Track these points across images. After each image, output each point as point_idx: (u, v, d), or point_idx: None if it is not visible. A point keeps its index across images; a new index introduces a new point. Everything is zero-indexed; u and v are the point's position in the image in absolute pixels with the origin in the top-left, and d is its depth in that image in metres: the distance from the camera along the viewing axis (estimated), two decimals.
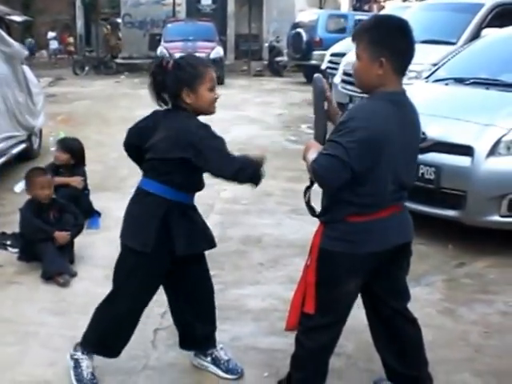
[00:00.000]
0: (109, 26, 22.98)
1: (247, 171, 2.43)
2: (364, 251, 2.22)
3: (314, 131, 2.39)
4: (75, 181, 4.76)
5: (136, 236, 2.51)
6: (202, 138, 2.40)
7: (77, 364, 2.65)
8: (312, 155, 2.19)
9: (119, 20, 24.16)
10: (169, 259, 2.55)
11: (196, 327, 2.74)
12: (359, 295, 2.42)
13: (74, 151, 4.88)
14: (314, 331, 2.34)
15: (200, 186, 2.60)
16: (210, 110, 2.52)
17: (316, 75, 2.47)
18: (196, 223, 2.61)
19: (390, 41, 2.16)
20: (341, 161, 2.05)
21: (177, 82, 2.44)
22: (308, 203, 2.36)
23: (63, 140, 4.96)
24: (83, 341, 2.66)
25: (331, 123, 2.40)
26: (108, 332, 2.61)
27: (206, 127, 2.46)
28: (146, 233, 2.47)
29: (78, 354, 2.66)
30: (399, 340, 2.46)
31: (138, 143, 2.54)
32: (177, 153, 2.41)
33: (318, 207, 2.35)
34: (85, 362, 2.64)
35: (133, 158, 2.66)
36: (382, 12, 14.09)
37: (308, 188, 2.37)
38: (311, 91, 2.43)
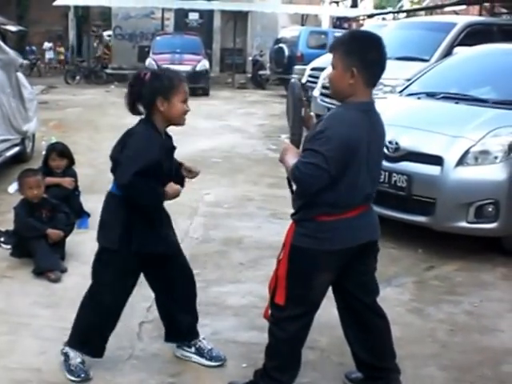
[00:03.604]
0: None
1: (139, 195, 2.55)
2: (332, 248, 2.36)
3: (289, 135, 2.54)
4: (66, 181, 4.89)
5: (105, 235, 2.70)
6: (126, 144, 2.56)
7: (66, 357, 2.78)
8: (291, 160, 2.34)
9: (105, 33, 24.39)
10: (136, 256, 2.68)
11: (179, 319, 2.88)
12: (331, 291, 2.54)
13: (67, 155, 5.03)
14: (285, 322, 2.46)
15: None
16: (180, 121, 2.66)
17: (293, 81, 2.64)
18: (157, 226, 2.71)
19: (362, 53, 2.32)
20: (321, 168, 2.21)
21: (153, 91, 2.60)
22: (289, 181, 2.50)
23: (55, 148, 5.05)
24: (70, 339, 2.79)
25: (305, 129, 2.55)
26: (90, 326, 2.74)
27: (137, 140, 2.56)
28: (112, 231, 2.65)
29: (66, 348, 2.79)
30: (368, 332, 2.59)
31: None
32: (113, 154, 2.62)
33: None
34: (71, 353, 2.77)
35: None
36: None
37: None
38: (288, 95, 2.60)
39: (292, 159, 2.34)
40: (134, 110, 2.70)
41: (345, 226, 2.37)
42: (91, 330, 2.75)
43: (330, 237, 2.36)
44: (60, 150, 5.02)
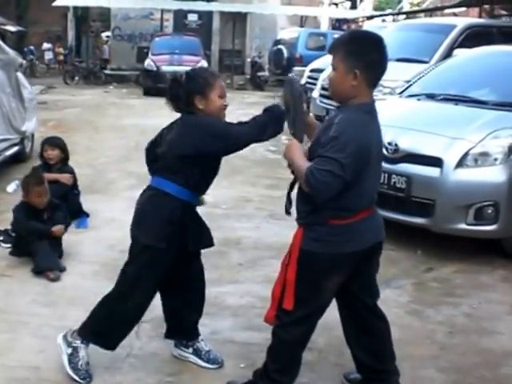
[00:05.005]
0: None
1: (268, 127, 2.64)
2: (344, 251, 2.35)
3: (292, 130, 2.46)
4: (64, 177, 4.88)
5: (151, 232, 2.64)
6: (214, 127, 2.60)
7: (74, 352, 2.71)
8: (299, 159, 2.30)
9: (104, 34, 24.42)
10: (177, 254, 2.71)
11: (186, 317, 2.89)
12: None
13: (61, 146, 5.02)
14: (291, 325, 2.44)
15: (209, 187, 2.80)
16: (220, 116, 2.68)
17: (290, 76, 2.58)
18: (202, 222, 2.83)
19: (365, 54, 2.29)
20: (337, 176, 2.18)
21: (190, 91, 2.63)
22: (289, 199, 2.48)
23: (47, 140, 5.07)
24: (83, 330, 2.72)
25: (306, 135, 2.51)
26: (114, 325, 2.70)
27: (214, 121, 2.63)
28: (162, 229, 2.62)
29: (77, 343, 2.72)
30: (369, 335, 2.58)
31: (156, 144, 2.74)
32: (189, 149, 2.57)
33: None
34: (82, 352, 2.72)
35: (149, 158, 2.82)
36: None
37: (292, 185, 2.48)
38: (285, 91, 2.54)
39: (300, 158, 2.31)
40: (177, 110, 2.72)
41: (356, 229, 2.36)
42: (115, 327, 2.71)
43: (340, 240, 2.34)
44: (52, 142, 5.01)
